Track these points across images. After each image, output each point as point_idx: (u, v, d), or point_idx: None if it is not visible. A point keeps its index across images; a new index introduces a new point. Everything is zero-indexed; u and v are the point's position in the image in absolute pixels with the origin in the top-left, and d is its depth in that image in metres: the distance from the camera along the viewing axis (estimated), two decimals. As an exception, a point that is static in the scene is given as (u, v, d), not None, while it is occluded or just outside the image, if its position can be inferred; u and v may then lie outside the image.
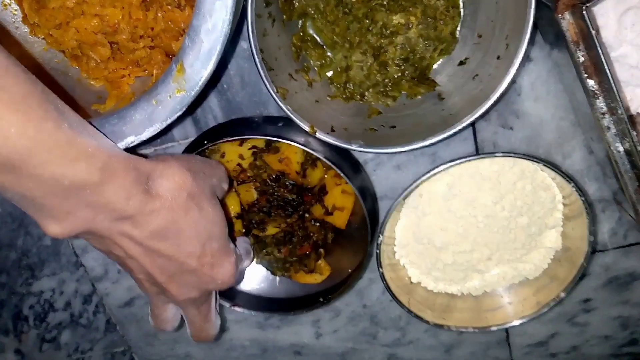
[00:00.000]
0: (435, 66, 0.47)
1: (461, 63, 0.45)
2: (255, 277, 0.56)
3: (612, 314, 0.60)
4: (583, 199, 0.45)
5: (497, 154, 0.44)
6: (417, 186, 0.45)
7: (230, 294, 0.55)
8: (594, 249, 0.55)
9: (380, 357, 0.64)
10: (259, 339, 0.63)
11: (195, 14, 0.35)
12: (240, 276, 0.45)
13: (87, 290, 0.61)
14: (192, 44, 0.35)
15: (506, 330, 0.61)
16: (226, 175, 0.42)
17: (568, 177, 0.44)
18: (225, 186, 0.42)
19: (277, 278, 0.55)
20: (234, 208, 0.50)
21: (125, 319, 0.63)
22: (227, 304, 0.54)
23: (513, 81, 0.48)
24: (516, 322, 0.53)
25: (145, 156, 0.36)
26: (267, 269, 0.54)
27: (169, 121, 0.38)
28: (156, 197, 0.33)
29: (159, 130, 0.38)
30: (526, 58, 0.47)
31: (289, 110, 0.41)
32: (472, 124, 0.50)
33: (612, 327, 0.61)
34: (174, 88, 0.37)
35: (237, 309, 0.53)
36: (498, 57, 0.42)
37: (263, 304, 0.55)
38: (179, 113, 0.37)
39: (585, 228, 0.46)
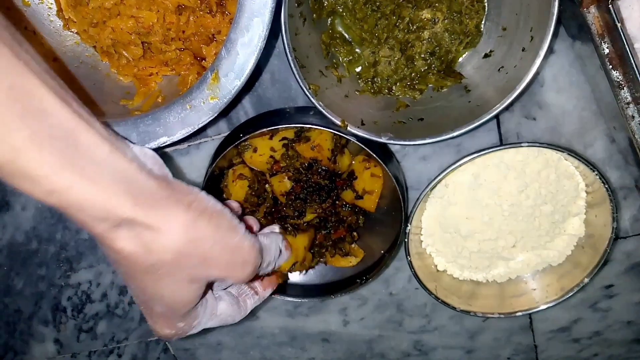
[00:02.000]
0: (461, 59, 0.48)
1: (486, 55, 0.47)
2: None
3: (634, 300, 0.61)
4: (606, 186, 0.46)
5: (522, 144, 0.46)
6: (443, 177, 0.47)
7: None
8: (616, 236, 0.56)
9: (406, 343, 0.65)
10: (289, 327, 0.65)
11: (233, 27, 0.37)
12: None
13: (122, 282, 0.63)
14: (228, 55, 0.37)
15: (529, 316, 0.62)
16: (245, 274, 0.34)
17: (591, 165, 0.46)
18: (231, 282, 0.38)
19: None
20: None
21: (159, 309, 0.65)
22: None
23: (537, 73, 0.50)
24: (541, 307, 0.54)
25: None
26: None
27: (201, 125, 0.40)
28: (113, 251, 0.29)
29: (191, 132, 0.40)
30: (549, 50, 0.48)
31: (320, 105, 0.43)
32: (497, 116, 0.51)
33: (634, 312, 0.62)
34: (208, 95, 0.39)
35: (277, 297, 0.55)
36: (523, 49, 0.43)
37: (300, 291, 0.57)
38: (211, 118, 0.39)
39: (608, 215, 0.48)
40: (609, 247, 0.49)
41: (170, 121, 0.38)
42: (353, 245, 0.54)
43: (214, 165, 0.47)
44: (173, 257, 0.30)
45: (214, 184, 0.52)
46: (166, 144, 0.39)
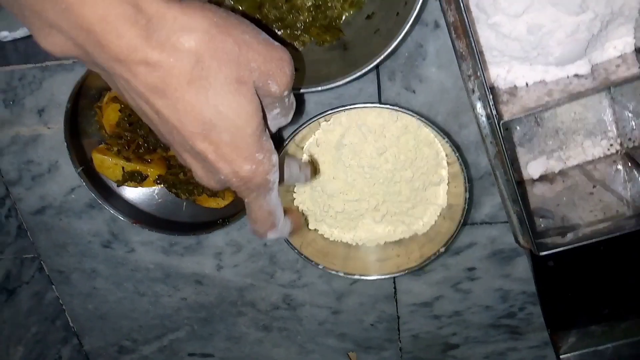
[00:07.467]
0: (347, 19, 0.49)
1: (368, 17, 0.47)
2: (161, 200, 0.58)
3: (494, 286, 0.63)
4: (457, 155, 0.47)
5: (367, 104, 0.46)
6: (306, 125, 0.48)
7: (135, 213, 0.58)
8: (483, 221, 0.59)
9: (276, 296, 0.67)
10: (163, 264, 0.66)
11: None
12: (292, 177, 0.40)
13: (0, 193, 0.63)
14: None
15: (394, 286, 0.64)
16: (285, 74, 0.32)
17: (441, 131, 0.46)
18: (275, 89, 0.32)
19: (184, 203, 0.58)
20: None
21: (36, 227, 0.65)
22: (129, 221, 0.56)
23: (420, 45, 0.51)
24: (399, 274, 0.55)
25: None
26: (172, 192, 0.56)
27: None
28: (156, 48, 0.27)
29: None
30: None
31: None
32: (378, 83, 0.52)
33: (493, 298, 0.64)
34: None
35: (137, 225, 0.56)
36: (397, 14, 0.44)
37: (168, 226, 0.58)
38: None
39: (463, 185, 0.49)
40: (462, 218, 0.50)
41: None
42: (223, 187, 0.55)
43: (80, 80, 0.47)
44: (208, 45, 0.28)
45: (87, 104, 0.52)
46: (7, 39, 0.38)
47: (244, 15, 0.47)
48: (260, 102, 0.32)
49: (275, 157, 0.34)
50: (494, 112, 0.38)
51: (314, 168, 0.48)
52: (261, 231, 0.38)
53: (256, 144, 0.32)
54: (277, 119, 0.35)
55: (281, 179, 0.37)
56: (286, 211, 0.40)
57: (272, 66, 0.31)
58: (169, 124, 0.31)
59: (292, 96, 0.36)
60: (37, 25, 0.28)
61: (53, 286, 0.70)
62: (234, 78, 0.30)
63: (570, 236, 0.45)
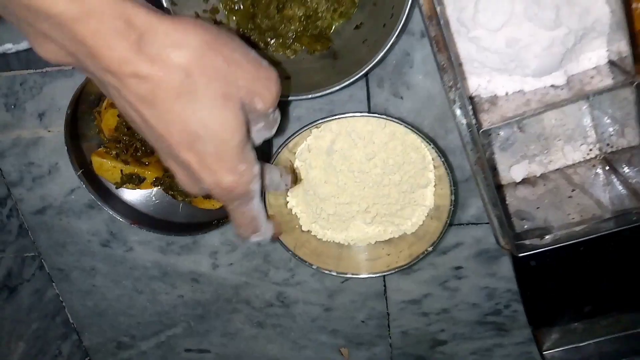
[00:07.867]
0: (337, 28, 0.51)
1: (357, 27, 0.49)
2: (159, 202, 0.60)
3: (480, 284, 0.66)
4: (442, 160, 0.49)
5: (356, 114, 0.48)
6: (298, 134, 0.50)
7: (133, 214, 0.60)
8: (469, 222, 0.61)
9: (270, 293, 0.69)
10: (161, 263, 0.68)
11: None
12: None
13: (2, 194, 0.65)
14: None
15: (384, 284, 0.67)
16: (271, 93, 0.33)
17: (426, 137, 0.48)
18: (261, 106, 0.33)
19: (180, 204, 0.60)
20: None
21: (37, 226, 0.67)
22: (127, 222, 0.58)
23: (407, 53, 0.53)
24: (389, 272, 0.57)
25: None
26: (169, 194, 0.58)
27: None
28: (146, 62, 0.28)
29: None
30: (404, 30, 0.51)
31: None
32: (367, 90, 0.54)
33: (480, 296, 0.67)
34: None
35: (135, 226, 0.58)
36: (384, 25, 0.46)
37: (165, 226, 0.60)
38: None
39: (448, 187, 0.51)
40: (448, 218, 0.52)
41: (18, 29, 0.39)
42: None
43: (80, 87, 0.49)
44: (198, 61, 0.29)
45: (87, 109, 0.54)
46: (11, 51, 0.40)
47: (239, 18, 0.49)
48: (246, 116, 0.33)
49: (257, 168, 0.35)
50: (474, 121, 0.40)
51: (294, 176, 0.49)
52: (245, 234, 0.40)
53: (239, 155, 0.33)
54: (261, 132, 0.37)
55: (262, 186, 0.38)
56: (269, 216, 0.42)
57: (259, 85, 0.33)
58: (155, 133, 0.32)
59: (277, 112, 0.37)
60: (32, 34, 0.29)
61: (53, 284, 0.72)
62: (221, 94, 0.31)
63: (548, 238, 0.47)
